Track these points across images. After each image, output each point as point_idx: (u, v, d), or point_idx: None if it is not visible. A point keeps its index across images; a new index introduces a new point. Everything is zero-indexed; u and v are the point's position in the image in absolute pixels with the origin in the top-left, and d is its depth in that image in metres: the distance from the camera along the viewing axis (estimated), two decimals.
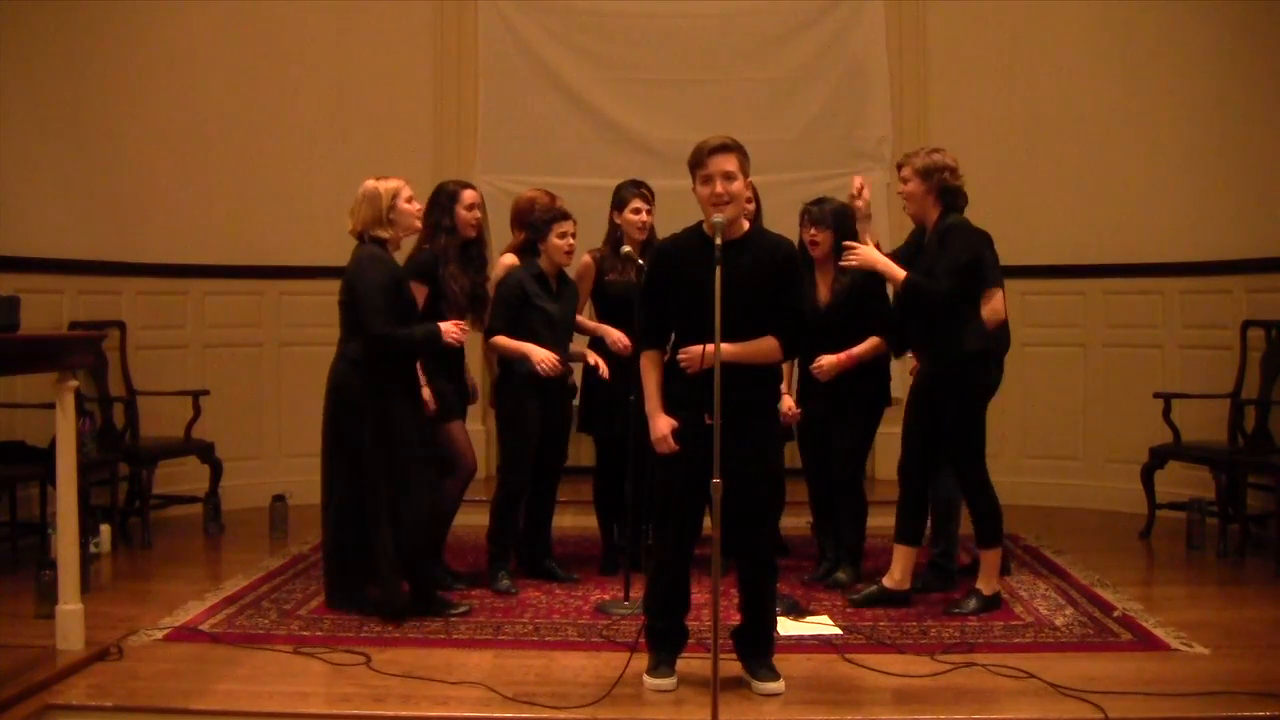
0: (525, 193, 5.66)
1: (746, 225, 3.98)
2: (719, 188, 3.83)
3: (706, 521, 3.97)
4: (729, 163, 3.85)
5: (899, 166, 5.00)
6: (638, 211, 5.39)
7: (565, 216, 5.23)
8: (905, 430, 4.97)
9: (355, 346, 4.71)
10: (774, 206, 5.74)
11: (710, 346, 3.63)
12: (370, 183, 4.79)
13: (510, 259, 5.41)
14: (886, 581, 4.96)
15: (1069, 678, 3.98)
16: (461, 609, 4.80)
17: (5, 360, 4.17)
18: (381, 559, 4.71)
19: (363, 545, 4.73)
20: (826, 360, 5.15)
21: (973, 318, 4.81)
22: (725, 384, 3.58)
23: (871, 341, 5.19)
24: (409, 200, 4.81)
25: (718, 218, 3.77)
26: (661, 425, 3.89)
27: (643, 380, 4.00)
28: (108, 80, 6.78)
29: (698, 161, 3.88)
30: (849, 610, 4.88)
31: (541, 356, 5.09)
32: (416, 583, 4.79)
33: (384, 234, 4.75)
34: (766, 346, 3.88)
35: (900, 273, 4.74)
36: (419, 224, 4.91)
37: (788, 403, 5.27)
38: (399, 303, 4.71)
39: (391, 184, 4.78)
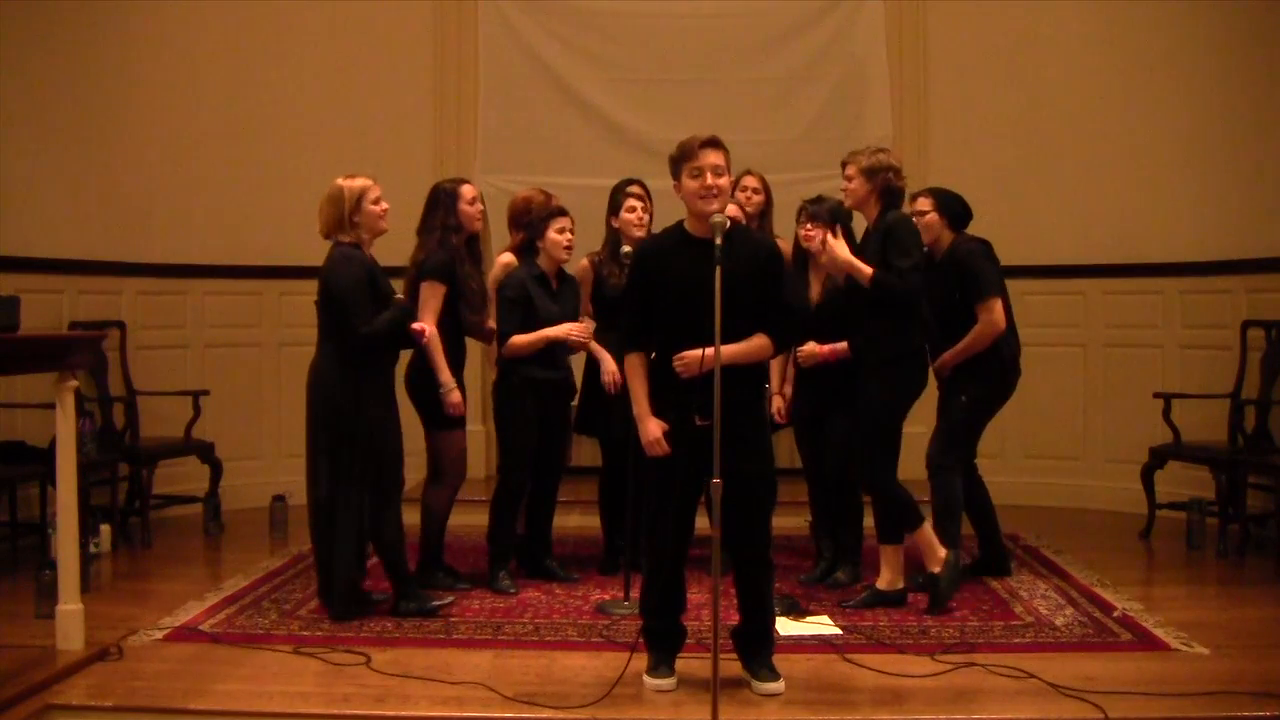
0: (521, 192, 5.65)
1: (727, 224, 3.97)
2: (709, 179, 3.83)
3: (699, 522, 3.98)
4: (718, 157, 3.86)
5: (843, 164, 4.99)
6: (632, 210, 5.39)
7: (562, 213, 5.25)
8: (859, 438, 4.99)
9: (330, 347, 4.66)
10: (773, 206, 5.74)
11: (709, 350, 3.63)
12: (337, 182, 4.69)
13: (508, 258, 5.41)
14: (879, 584, 4.97)
15: (1069, 678, 3.98)
16: (448, 600, 4.81)
17: (5, 360, 4.17)
18: (341, 558, 4.68)
19: (335, 544, 4.68)
20: (809, 347, 5.16)
21: (909, 319, 4.81)
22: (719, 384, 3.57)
23: None
24: (375, 201, 4.70)
25: (717, 217, 3.77)
26: (653, 428, 3.87)
27: (629, 384, 3.98)
28: (108, 80, 6.79)
29: (686, 155, 3.87)
30: (849, 610, 4.88)
31: (565, 332, 5.12)
32: (401, 583, 4.80)
33: (345, 238, 4.66)
34: (759, 345, 3.89)
35: (867, 270, 4.75)
36: (385, 225, 4.77)
37: (777, 403, 5.29)
38: (375, 298, 4.65)
39: (358, 184, 4.67)
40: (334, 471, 4.64)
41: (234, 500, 6.89)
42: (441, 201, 5.15)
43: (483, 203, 5.32)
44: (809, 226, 5.21)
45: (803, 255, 5.30)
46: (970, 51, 7.42)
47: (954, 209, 5.27)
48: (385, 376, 4.77)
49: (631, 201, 5.41)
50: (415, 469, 5.17)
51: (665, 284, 3.88)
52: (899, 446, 4.89)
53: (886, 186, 4.83)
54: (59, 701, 3.81)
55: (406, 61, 7.47)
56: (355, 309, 4.56)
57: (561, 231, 5.20)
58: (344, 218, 4.65)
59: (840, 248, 4.83)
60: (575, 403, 5.58)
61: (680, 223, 3.99)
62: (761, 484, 3.95)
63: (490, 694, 3.86)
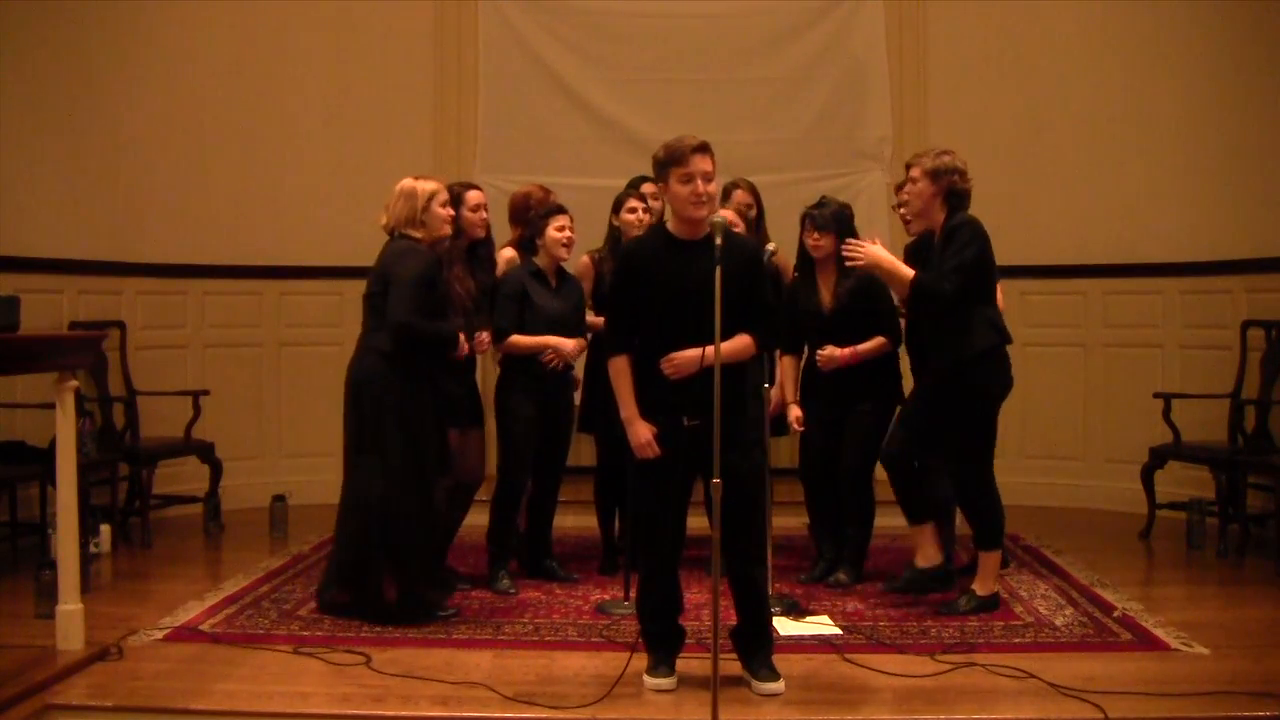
0: (520, 188, 5.69)
1: (725, 224, 3.98)
2: (700, 187, 3.83)
3: (699, 523, 3.98)
4: (708, 163, 3.86)
5: (908, 166, 4.95)
6: (633, 211, 5.40)
7: (561, 210, 5.26)
8: (903, 418, 4.96)
9: (381, 338, 4.67)
10: (774, 207, 5.75)
11: (709, 349, 3.62)
12: (409, 181, 4.83)
13: (510, 254, 5.43)
14: (920, 562, 4.96)
15: (1069, 678, 3.98)
16: (450, 612, 4.79)
17: (5, 360, 4.17)
18: (412, 557, 4.69)
19: (384, 544, 4.67)
20: (829, 350, 5.15)
21: (982, 315, 4.71)
22: (707, 385, 3.58)
23: (877, 341, 5.18)
24: (443, 205, 4.84)
25: (716, 217, 3.78)
26: (642, 431, 3.87)
27: (615, 387, 3.96)
28: (107, 80, 6.79)
29: (677, 159, 3.85)
30: (849, 610, 4.88)
31: (556, 342, 5.13)
32: (409, 586, 4.78)
33: (416, 233, 4.77)
34: (743, 344, 3.89)
35: (908, 272, 4.69)
36: (448, 229, 4.91)
37: (795, 412, 5.29)
38: (432, 297, 4.71)
39: (430, 185, 4.82)
40: (390, 468, 4.63)
41: (234, 500, 6.89)
42: None
43: (487, 210, 5.32)
44: (816, 235, 5.19)
45: (809, 262, 5.28)
46: (970, 51, 7.42)
47: None
48: (429, 371, 4.79)
49: (632, 202, 5.42)
50: None
51: (652, 286, 3.88)
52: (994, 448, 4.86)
53: (951, 189, 4.73)
54: (59, 701, 3.81)
55: (406, 61, 7.47)
56: (404, 298, 4.61)
57: (561, 229, 5.20)
58: (415, 216, 4.77)
59: (879, 250, 4.72)
60: (576, 400, 5.58)
61: (662, 225, 3.99)
62: (753, 482, 3.95)
63: (490, 694, 3.86)
